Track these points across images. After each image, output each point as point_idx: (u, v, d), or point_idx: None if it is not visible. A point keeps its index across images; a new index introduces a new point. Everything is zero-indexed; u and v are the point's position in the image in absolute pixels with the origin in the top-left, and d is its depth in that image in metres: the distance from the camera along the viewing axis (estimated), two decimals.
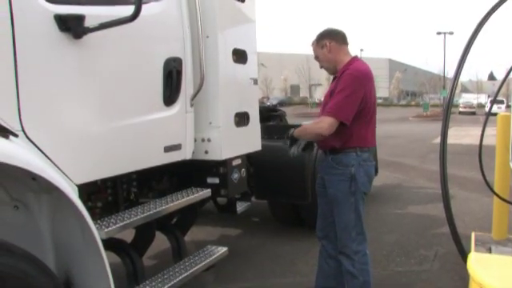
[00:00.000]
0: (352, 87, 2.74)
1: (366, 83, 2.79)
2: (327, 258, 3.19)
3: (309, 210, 4.87)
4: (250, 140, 3.70)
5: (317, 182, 3.20)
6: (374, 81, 2.87)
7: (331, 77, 3.07)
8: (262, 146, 3.86)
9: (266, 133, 4.60)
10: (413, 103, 60.44)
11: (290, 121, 6.45)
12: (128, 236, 2.92)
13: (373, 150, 3.07)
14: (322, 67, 3.06)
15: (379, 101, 63.51)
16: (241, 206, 4.00)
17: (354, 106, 2.75)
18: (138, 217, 2.61)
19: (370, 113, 2.88)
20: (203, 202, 4.08)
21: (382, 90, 63.31)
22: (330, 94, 2.88)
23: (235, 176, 3.46)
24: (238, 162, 3.51)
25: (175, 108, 2.94)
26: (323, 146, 3.05)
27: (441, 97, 46.03)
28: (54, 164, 2.04)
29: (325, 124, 2.79)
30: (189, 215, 3.44)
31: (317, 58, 3.02)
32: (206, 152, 3.30)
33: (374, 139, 3.00)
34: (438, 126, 2.94)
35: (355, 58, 2.93)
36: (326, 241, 3.19)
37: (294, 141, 3.01)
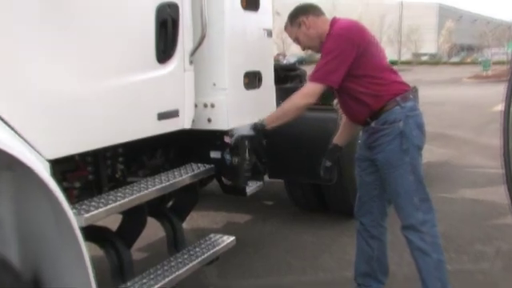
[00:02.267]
0: (338, 48, 2.91)
1: (355, 36, 2.95)
2: (368, 239, 3.33)
3: (334, 191, 4.89)
4: (263, 105, 3.73)
5: (356, 157, 3.35)
6: (366, 30, 3.04)
7: None
8: None
9: (283, 97, 4.51)
10: (468, 60, 55.17)
11: None
12: (113, 223, 2.92)
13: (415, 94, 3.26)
14: (305, 49, 3.29)
15: (424, 58, 60.10)
16: (251, 187, 3.98)
17: (343, 66, 2.93)
18: (126, 199, 2.63)
19: (385, 57, 3.12)
20: (205, 181, 4.13)
21: (428, 43, 58.43)
22: None
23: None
24: None
25: (171, 65, 2.93)
26: (359, 116, 3.15)
27: (508, 51, 41.45)
28: (19, 134, 1.99)
29: (306, 90, 3.03)
30: (188, 197, 3.45)
31: (297, 40, 3.22)
32: (209, 120, 3.32)
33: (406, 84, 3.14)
34: (501, 89, 2.84)
35: (334, 20, 3.10)
36: (366, 218, 3.31)
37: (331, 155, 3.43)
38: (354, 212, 3.41)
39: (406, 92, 3.02)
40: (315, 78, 2.97)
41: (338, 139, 3.48)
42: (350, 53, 2.89)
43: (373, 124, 3.05)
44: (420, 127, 3.00)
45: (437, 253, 2.98)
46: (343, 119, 3.49)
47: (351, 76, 2.96)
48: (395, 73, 3.13)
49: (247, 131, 3.23)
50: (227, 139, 3.33)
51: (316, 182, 4.84)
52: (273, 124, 3.16)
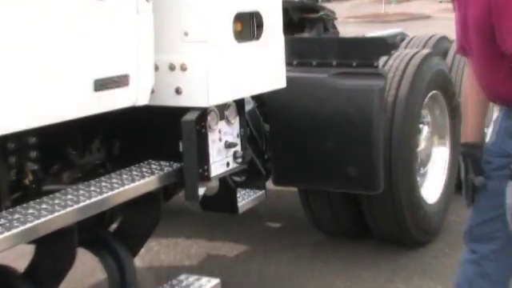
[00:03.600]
0: None
1: None
2: (478, 279, 3.36)
3: (381, 207, 4.92)
4: (264, 68, 3.77)
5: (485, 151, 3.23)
6: None
7: None
8: (290, 80, 3.95)
9: (297, 54, 4.66)
10: None
11: (345, 29, 6.35)
12: (22, 259, 2.92)
13: None
14: None
15: None
16: (245, 199, 4.05)
17: None
18: (41, 220, 2.66)
19: None
20: (173, 189, 4.13)
21: None
22: (467, 19, 3.02)
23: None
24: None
25: (114, 2, 2.99)
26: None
27: None
28: None
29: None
30: (143, 217, 3.51)
31: None
32: (178, 91, 3.37)
33: None
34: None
35: None
36: (482, 245, 3.32)
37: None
38: (464, 234, 3.40)
39: None
40: None
41: (474, 131, 3.34)
42: None
43: None
44: None
45: None
46: (472, 97, 3.37)
47: None
48: None
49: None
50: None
51: (352, 192, 4.88)
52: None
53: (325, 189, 4.93)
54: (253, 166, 4.04)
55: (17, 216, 2.64)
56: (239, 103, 3.67)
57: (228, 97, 3.52)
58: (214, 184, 3.93)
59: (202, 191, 3.71)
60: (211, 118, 3.43)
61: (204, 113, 3.38)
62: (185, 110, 3.37)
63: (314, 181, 4.78)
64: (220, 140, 3.52)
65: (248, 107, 4.06)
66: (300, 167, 4.68)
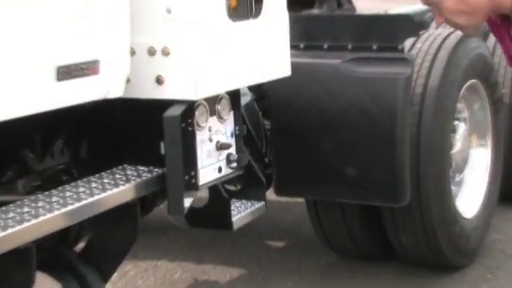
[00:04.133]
0: None
1: None
2: None
3: (406, 222, 4.94)
4: (265, 53, 3.79)
5: None
6: None
7: None
8: (296, 68, 3.97)
9: (305, 35, 4.70)
10: None
11: (363, 5, 6.36)
12: None
13: None
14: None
15: None
16: (241, 213, 4.05)
17: None
18: None
19: None
20: (152, 200, 4.14)
21: None
22: None
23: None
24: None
25: None
26: None
27: None
28: None
29: None
30: (117, 234, 3.53)
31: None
32: (160, 81, 3.38)
33: None
34: None
35: None
36: None
37: None
38: None
39: None
40: None
41: None
42: None
43: None
44: None
45: None
46: None
47: None
48: None
49: None
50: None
51: (372, 204, 4.89)
52: None
53: (338, 200, 4.94)
54: (250, 172, 4.06)
55: None
56: (234, 95, 3.68)
57: (220, 88, 3.52)
58: (204, 194, 3.95)
59: (188, 203, 3.69)
60: (200, 114, 3.43)
61: (191, 107, 3.38)
62: (167, 104, 3.36)
63: (326, 190, 4.78)
64: (210, 140, 3.53)
65: (245, 100, 4.07)
66: (308, 173, 4.69)
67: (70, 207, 2.95)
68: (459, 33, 5.10)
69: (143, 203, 3.64)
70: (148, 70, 3.36)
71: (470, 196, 5.42)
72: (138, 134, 3.51)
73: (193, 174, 3.41)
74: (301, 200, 5.16)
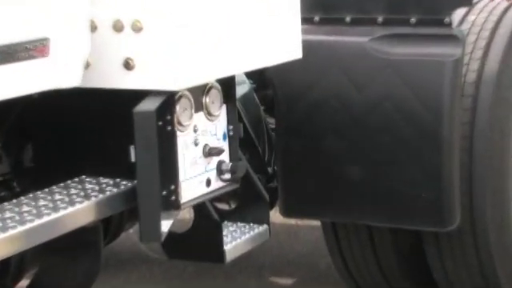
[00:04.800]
0: None
1: None
2: None
3: (453, 248, 4.92)
4: (268, 29, 3.80)
5: None
6: None
7: None
8: (309, 48, 3.97)
9: (321, 5, 4.72)
10: None
11: None
12: None
13: None
14: None
15: None
16: (237, 240, 4.04)
17: None
18: None
19: None
20: (118, 223, 4.16)
21: None
22: None
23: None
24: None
25: None
26: None
27: None
28: None
29: None
30: (72, 266, 3.54)
31: None
32: (129, 65, 3.36)
33: None
34: None
35: None
36: None
37: None
38: None
39: None
40: None
41: None
42: None
43: None
44: None
45: None
46: None
47: None
48: None
49: None
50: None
51: (410, 228, 4.88)
52: None
53: (365, 222, 4.93)
54: (249, 186, 4.06)
55: None
56: (227, 85, 3.68)
57: (209, 74, 3.49)
58: (187, 215, 3.94)
59: (166, 227, 3.64)
60: (182, 109, 3.42)
61: (170, 100, 3.35)
62: (139, 96, 3.33)
63: (348, 210, 4.77)
64: (196, 144, 3.52)
65: (242, 91, 4.06)
66: (325, 188, 4.68)
67: (10, 232, 2.91)
68: None
69: (107, 227, 3.60)
70: (114, 51, 3.33)
71: None
72: (101, 135, 3.50)
73: (172, 188, 3.38)
74: (315, 223, 5.15)
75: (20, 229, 2.96)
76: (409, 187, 4.31)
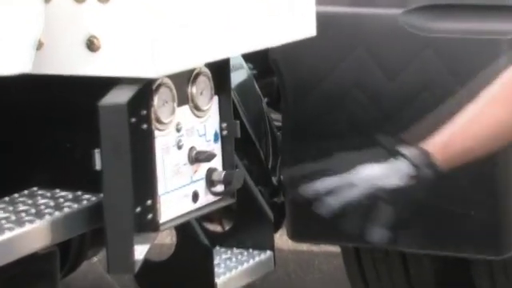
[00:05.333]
0: None
1: None
2: None
3: (508, 280, 4.90)
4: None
5: None
6: None
7: None
8: (326, 23, 4.03)
9: None
10: None
11: None
12: None
13: None
14: None
15: None
16: (232, 271, 4.02)
17: None
18: None
19: None
20: (79, 248, 4.15)
21: None
22: None
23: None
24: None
25: None
26: None
27: None
28: None
29: None
30: None
31: None
32: (93, 45, 3.33)
33: None
34: None
35: None
36: None
37: None
38: None
39: None
40: None
41: None
42: None
43: None
44: None
45: None
46: None
47: None
48: None
49: None
50: None
51: (455, 255, 4.88)
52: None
53: (397, 248, 4.93)
54: (248, 202, 4.02)
55: None
56: (219, 71, 3.67)
57: (196, 58, 3.48)
58: (168, 239, 3.90)
59: (141, 253, 3.65)
60: (161, 102, 3.41)
61: (146, 90, 3.34)
62: (106, 85, 3.32)
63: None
64: (179, 147, 3.51)
65: (238, 79, 4.03)
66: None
67: None
68: None
69: (65, 254, 3.55)
70: (74, 27, 3.31)
71: None
72: (57, 136, 3.48)
73: (149, 203, 3.36)
74: (333, 248, 5.14)
75: None
76: (455, 204, 4.30)
